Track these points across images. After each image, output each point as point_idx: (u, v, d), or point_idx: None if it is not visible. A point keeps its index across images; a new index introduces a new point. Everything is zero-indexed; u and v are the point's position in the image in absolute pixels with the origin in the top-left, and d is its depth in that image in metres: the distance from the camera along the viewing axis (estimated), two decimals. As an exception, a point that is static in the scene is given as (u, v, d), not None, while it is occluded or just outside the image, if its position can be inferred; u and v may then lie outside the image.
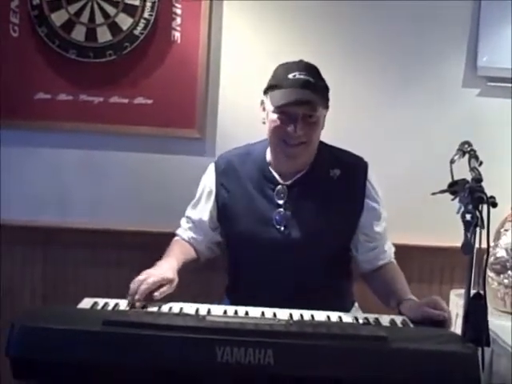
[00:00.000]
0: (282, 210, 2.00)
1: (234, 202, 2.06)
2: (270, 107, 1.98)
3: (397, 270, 2.09)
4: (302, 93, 1.90)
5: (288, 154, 1.97)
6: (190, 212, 2.18)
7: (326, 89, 1.99)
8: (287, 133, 1.93)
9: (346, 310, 2.03)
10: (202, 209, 2.13)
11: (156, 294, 1.77)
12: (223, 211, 2.09)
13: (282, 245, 1.99)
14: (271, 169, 2.05)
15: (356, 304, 2.21)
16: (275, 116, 1.95)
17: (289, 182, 2.02)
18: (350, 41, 2.66)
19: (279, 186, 2.02)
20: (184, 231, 2.17)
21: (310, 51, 2.57)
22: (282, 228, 1.99)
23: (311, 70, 1.97)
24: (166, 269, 1.87)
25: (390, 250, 2.12)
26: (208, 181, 2.14)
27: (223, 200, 2.08)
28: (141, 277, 1.78)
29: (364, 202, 2.04)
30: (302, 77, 1.92)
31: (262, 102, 2.04)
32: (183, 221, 2.20)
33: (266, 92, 2.01)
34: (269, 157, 2.07)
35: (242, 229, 2.03)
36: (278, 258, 1.98)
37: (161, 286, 1.79)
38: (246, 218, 2.03)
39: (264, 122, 2.03)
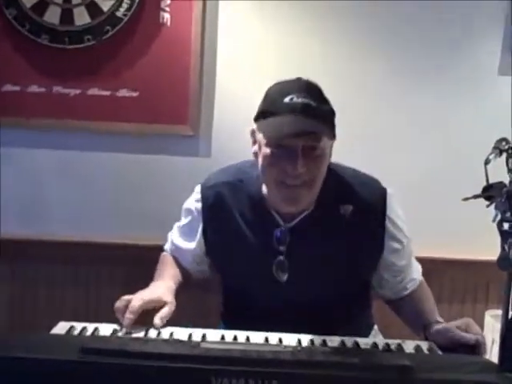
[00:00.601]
0: (282, 258, 1.91)
1: (225, 243, 1.98)
2: (262, 139, 1.81)
3: (424, 291, 2.06)
4: (301, 121, 1.74)
5: (287, 197, 1.82)
6: (175, 235, 2.14)
7: (331, 113, 1.82)
8: (285, 172, 1.78)
9: (364, 335, 2.01)
10: (188, 240, 2.08)
11: (156, 321, 1.75)
12: (213, 252, 2.04)
13: (284, 298, 1.91)
14: (268, 206, 1.93)
15: (375, 327, 2.20)
16: (269, 150, 1.79)
17: (291, 224, 1.92)
18: (373, 27, 2.66)
19: (279, 230, 1.92)
20: (171, 251, 2.17)
21: (321, 27, 2.60)
22: (284, 279, 1.92)
23: (312, 90, 1.81)
24: (163, 289, 1.86)
25: (417, 273, 2.07)
26: (194, 212, 2.05)
27: (213, 240, 2.01)
28: (130, 296, 1.77)
29: (384, 242, 1.95)
30: (300, 100, 1.75)
31: (253, 132, 1.88)
32: (170, 237, 2.19)
33: (257, 119, 1.85)
34: (265, 190, 1.92)
35: (237, 277, 1.99)
36: (280, 307, 1.91)
37: (156, 309, 1.78)
38: (240, 266, 1.95)
39: (256, 156, 1.87)
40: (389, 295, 2.08)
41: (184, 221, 2.11)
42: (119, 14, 2.60)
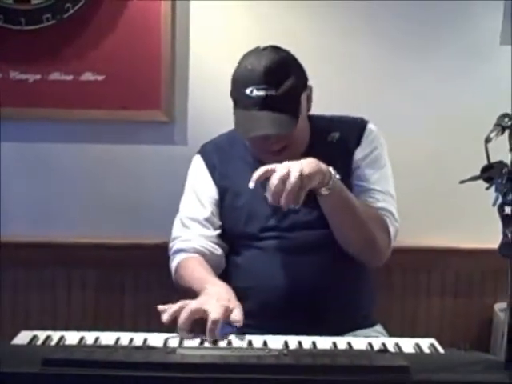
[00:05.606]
0: None
1: (231, 183, 2.19)
2: None
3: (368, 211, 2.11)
4: (262, 123, 2.00)
5: (271, 161, 2.05)
6: (189, 213, 2.21)
7: (294, 88, 2.06)
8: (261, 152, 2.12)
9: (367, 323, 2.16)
10: (205, 201, 2.20)
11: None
12: (223, 194, 2.21)
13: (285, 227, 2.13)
14: None
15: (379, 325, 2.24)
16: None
17: None
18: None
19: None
20: (190, 241, 2.17)
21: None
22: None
23: (272, 74, 2.02)
24: (221, 291, 1.92)
25: (391, 213, 2.16)
26: (197, 171, 2.23)
27: (220, 183, 2.21)
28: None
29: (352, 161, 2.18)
30: (260, 93, 2.01)
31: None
32: (180, 230, 2.21)
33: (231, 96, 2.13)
34: None
35: (242, 206, 2.16)
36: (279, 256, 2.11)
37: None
38: (246, 198, 2.15)
39: None
40: None
41: (190, 191, 2.25)
42: (80, -11, 2.58)
